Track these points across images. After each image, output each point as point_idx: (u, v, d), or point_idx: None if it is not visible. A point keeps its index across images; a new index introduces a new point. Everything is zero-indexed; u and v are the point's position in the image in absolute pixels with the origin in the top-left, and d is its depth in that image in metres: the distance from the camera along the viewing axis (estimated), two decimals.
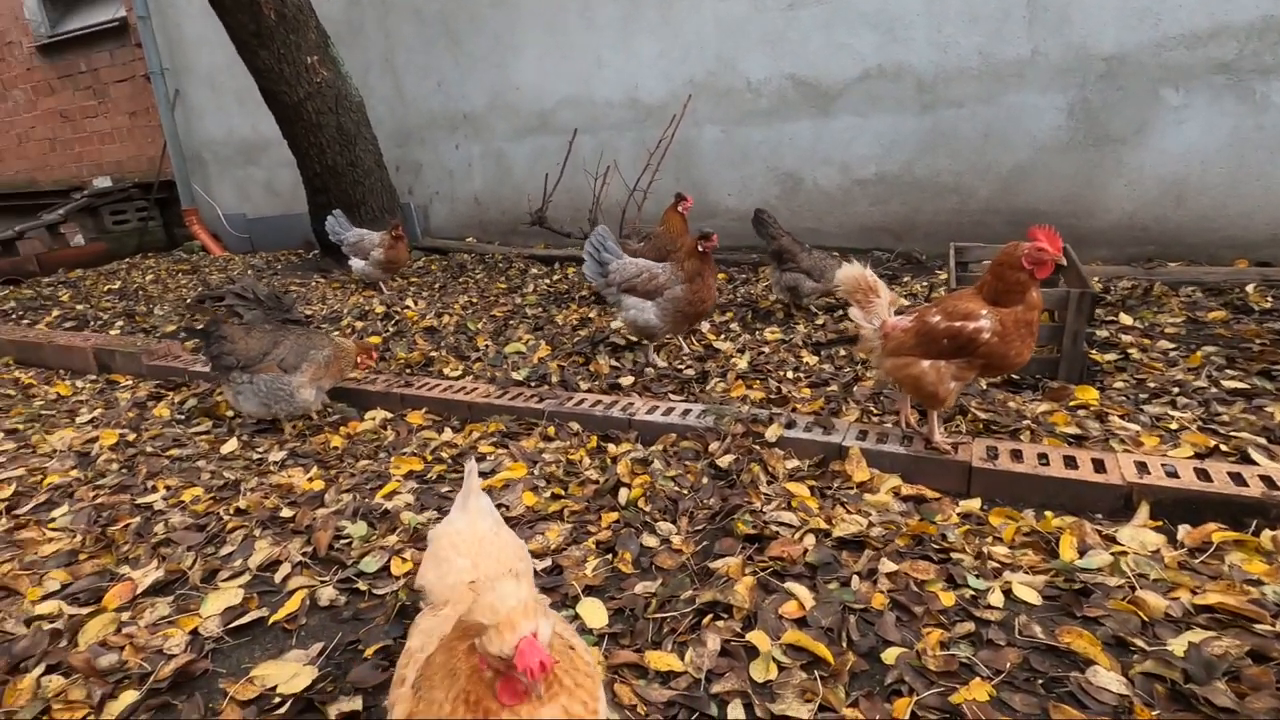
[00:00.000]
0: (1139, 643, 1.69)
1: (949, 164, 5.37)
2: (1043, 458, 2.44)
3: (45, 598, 2.19)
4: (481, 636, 0.94)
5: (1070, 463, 2.38)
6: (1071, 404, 2.88)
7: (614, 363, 3.80)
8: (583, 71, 6.50)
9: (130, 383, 4.30)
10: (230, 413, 3.64)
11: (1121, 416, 2.73)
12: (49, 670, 1.87)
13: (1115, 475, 2.28)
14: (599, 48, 6.37)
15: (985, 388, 3.13)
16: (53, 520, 2.67)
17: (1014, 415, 2.82)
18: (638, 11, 6.10)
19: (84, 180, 9.70)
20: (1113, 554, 2.01)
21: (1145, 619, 1.76)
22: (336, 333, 4.74)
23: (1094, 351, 3.36)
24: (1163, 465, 2.30)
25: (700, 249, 3.57)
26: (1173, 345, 3.38)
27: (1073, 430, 2.66)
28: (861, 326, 2.55)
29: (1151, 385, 2.99)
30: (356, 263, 5.75)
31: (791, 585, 1.98)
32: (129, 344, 4.61)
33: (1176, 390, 2.90)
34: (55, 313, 5.86)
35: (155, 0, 8.31)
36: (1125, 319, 3.78)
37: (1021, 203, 5.19)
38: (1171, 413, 2.71)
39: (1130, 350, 3.38)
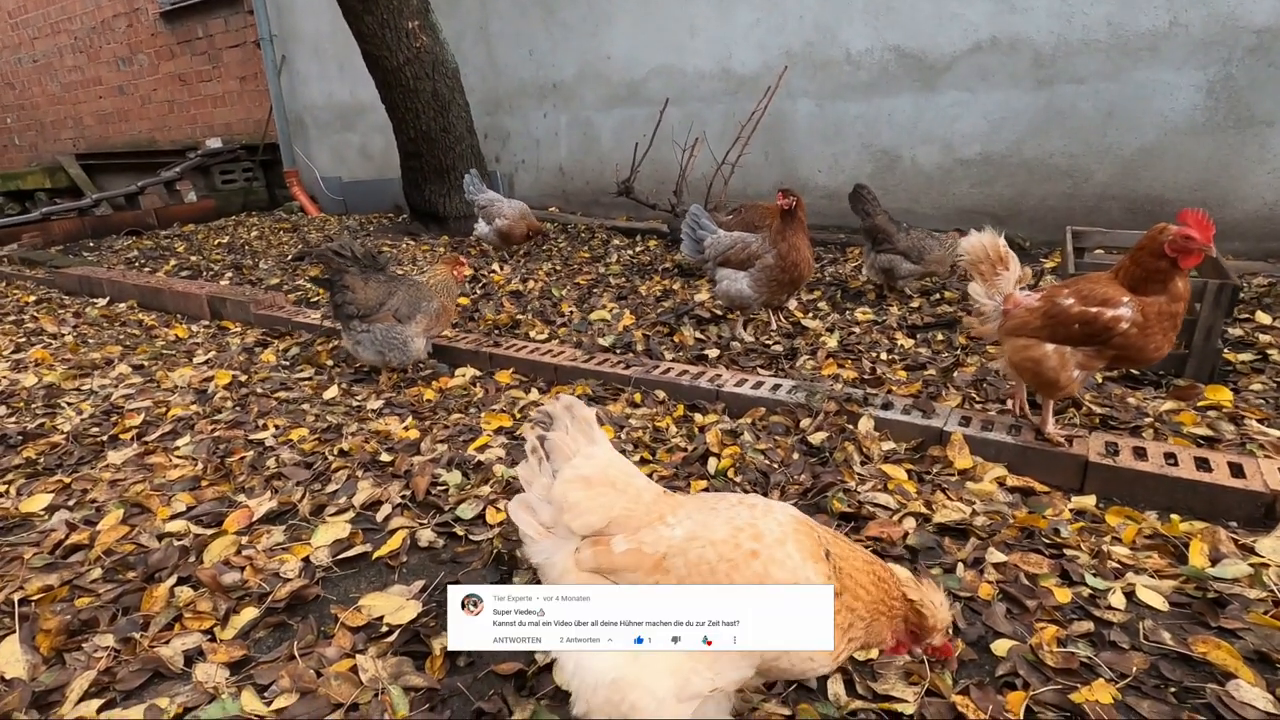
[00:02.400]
0: None
1: (1063, 145, 5.01)
2: (1170, 457, 2.26)
3: (173, 517, 2.36)
4: None
5: (1203, 465, 2.20)
6: (1200, 404, 2.66)
7: (699, 335, 3.77)
8: (675, 41, 6.39)
9: (239, 329, 4.58)
10: (330, 361, 3.82)
11: (1260, 420, 2.51)
12: (180, 582, 2.02)
13: (1256, 481, 2.10)
14: (693, 16, 6.24)
15: (1101, 381, 2.93)
16: (177, 449, 2.88)
17: (1133, 411, 2.63)
18: None
19: (197, 141, 10.32)
20: (1252, 565, 1.85)
21: None
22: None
23: (1227, 350, 3.09)
24: None
25: (781, 206, 3.52)
26: None
27: (1202, 431, 2.46)
28: (981, 302, 2.41)
29: None
30: (480, 225, 5.69)
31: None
32: (238, 294, 4.90)
33: None
34: (172, 262, 6.29)
35: None
36: (1263, 317, 3.45)
37: (1144, 189, 4.81)
38: None
39: (1269, 351, 3.09)
